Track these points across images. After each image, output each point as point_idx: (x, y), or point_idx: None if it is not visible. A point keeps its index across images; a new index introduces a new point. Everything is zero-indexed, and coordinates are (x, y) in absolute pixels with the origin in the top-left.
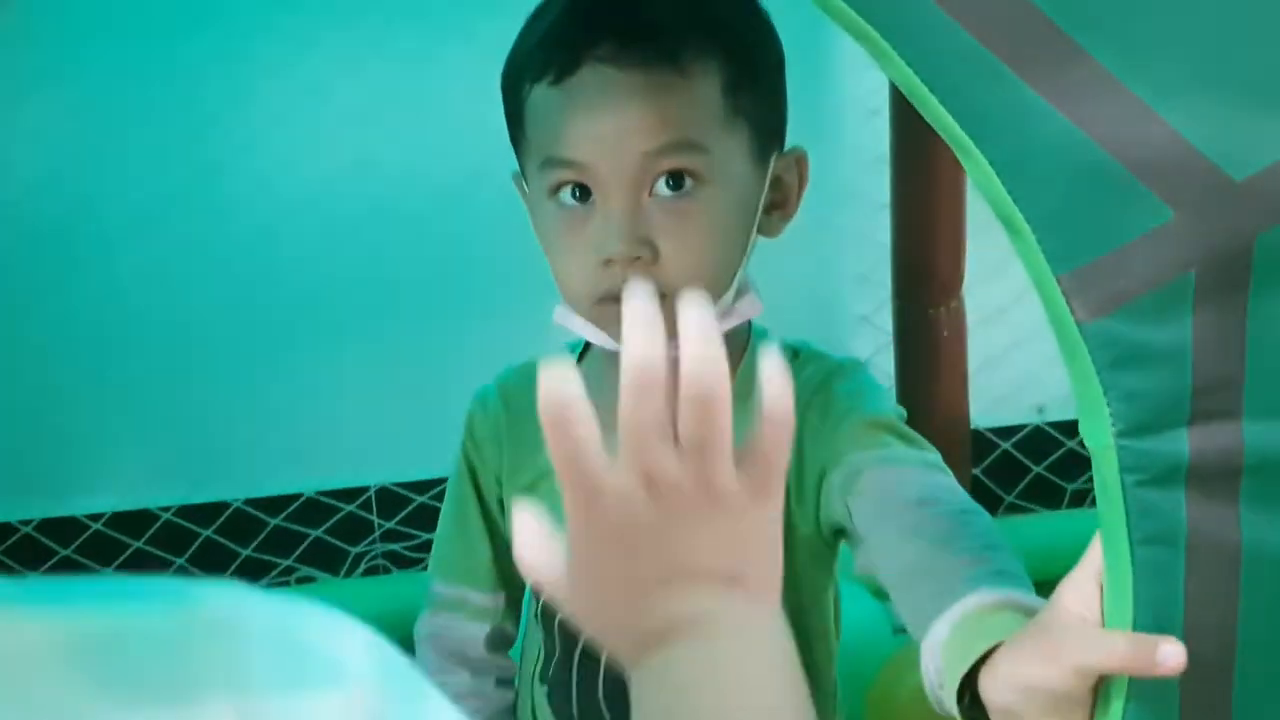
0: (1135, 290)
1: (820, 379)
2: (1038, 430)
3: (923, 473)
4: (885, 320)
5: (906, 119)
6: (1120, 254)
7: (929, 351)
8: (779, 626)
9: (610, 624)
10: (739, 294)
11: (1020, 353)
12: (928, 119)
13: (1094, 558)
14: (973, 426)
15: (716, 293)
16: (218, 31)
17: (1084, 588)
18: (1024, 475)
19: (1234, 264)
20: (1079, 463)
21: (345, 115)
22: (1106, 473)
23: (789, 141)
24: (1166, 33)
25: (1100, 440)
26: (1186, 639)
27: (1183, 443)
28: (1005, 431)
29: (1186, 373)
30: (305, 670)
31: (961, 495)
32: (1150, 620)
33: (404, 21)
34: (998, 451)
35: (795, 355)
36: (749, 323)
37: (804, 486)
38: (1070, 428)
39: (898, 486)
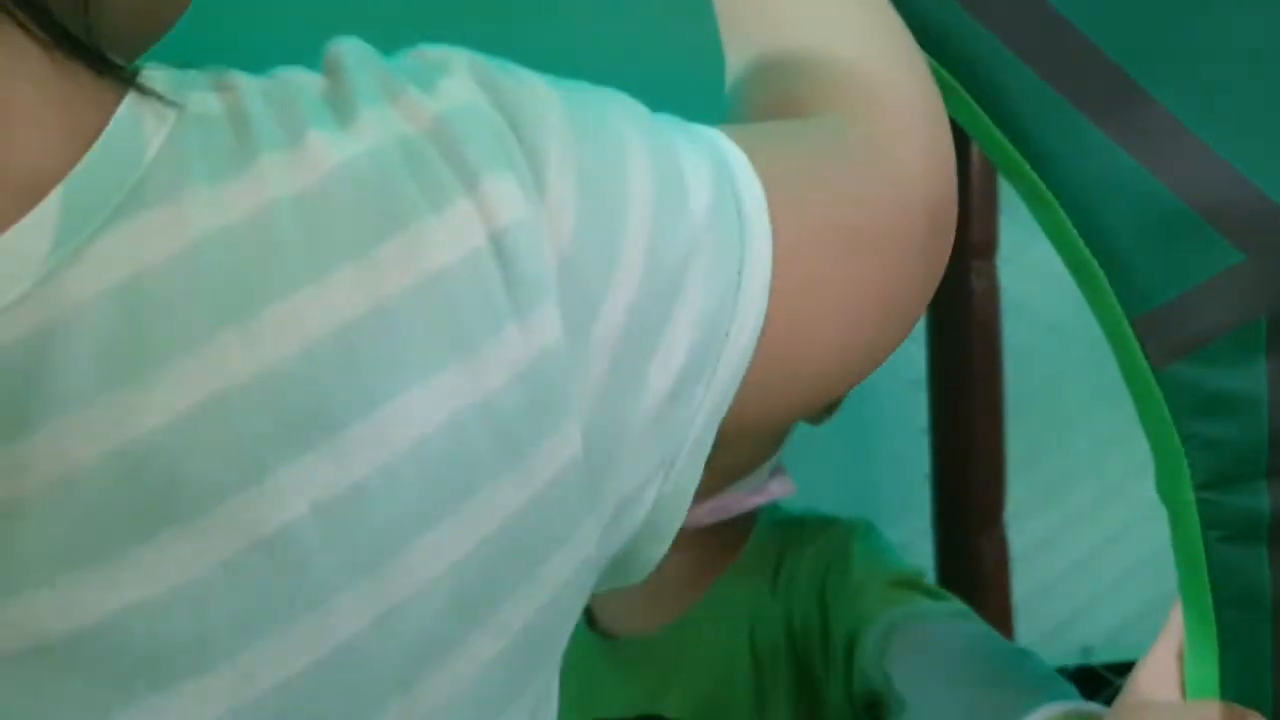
0: (1208, 335)
1: (837, 543)
2: (1087, 670)
3: (957, 623)
4: (925, 548)
5: (945, 341)
6: (1192, 296)
7: (971, 584)
8: None
9: None
10: (772, 473)
11: (1066, 587)
12: (995, 162)
13: (1173, 632)
14: None
15: (749, 470)
16: None
17: (1162, 665)
18: None
19: None
20: None
21: None
22: (1187, 531)
23: None
24: (1228, 77)
25: (1179, 495)
26: (1277, 710)
27: (1263, 495)
28: None
29: (1263, 421)
30: (419, 72)
31: (1001, 639)
32: (1238, 689)
33: None
34: None
35: (802, 524)
36: None
37: (832, 651)
38: (1120, 669)
39: (936, 639)
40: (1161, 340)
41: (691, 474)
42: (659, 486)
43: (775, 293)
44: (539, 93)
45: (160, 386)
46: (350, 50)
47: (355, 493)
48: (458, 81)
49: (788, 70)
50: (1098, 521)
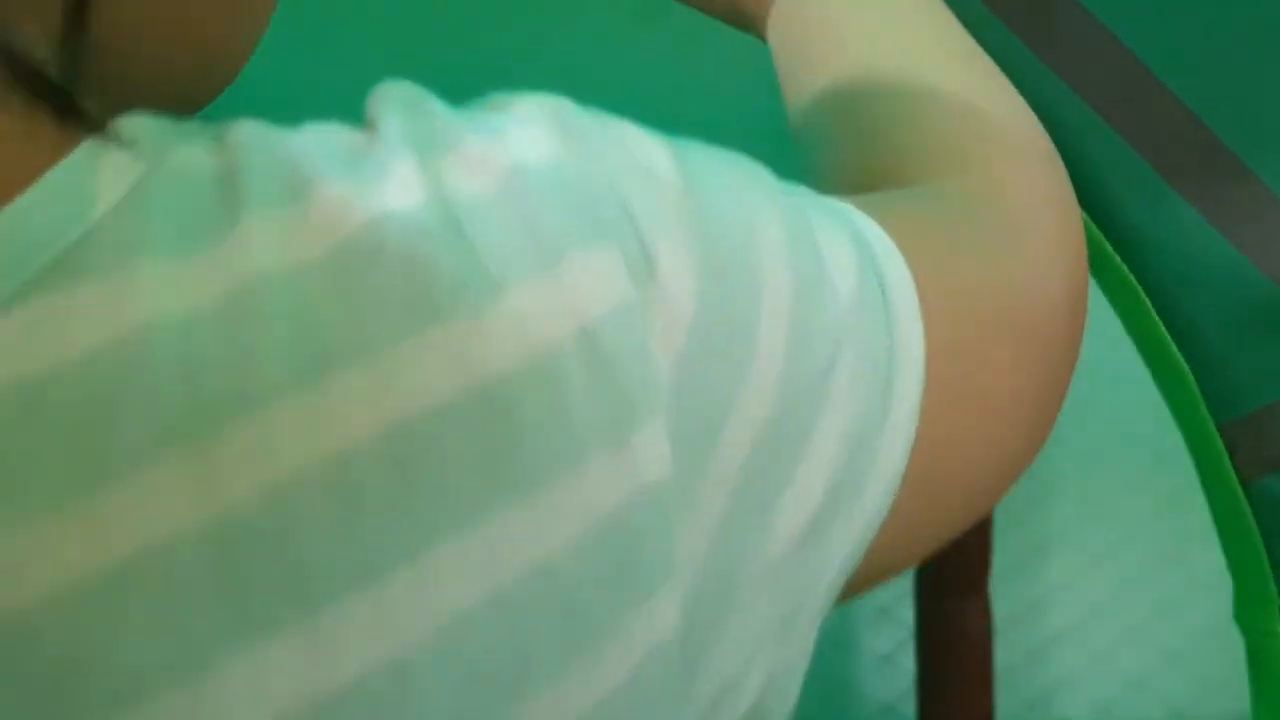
0: None
1: None
2: None
3: None
4: (906, 613)
5: None
6: None
7: (953, 651)
8: None
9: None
10: None
11: (1052, 656)
12: None
13: None
14: None
15: None
16: None
17: None
18: None
19: None
20: None
21: None
22: (1271, 667)
23: None
24: None
25: (1264, 625)
26: None
27: None
28: None
29: None
30: (486, 119)
31: None
32: None
33: None
34: None
35: None
36: None
37: None
38: None
39: None
40: (1254, 450)
41: (808, 640)
42: (770, 658)
43: (927, 395)
44: (643, 147)
45: (52, 539)
46: (395, 92)
47: (343, 701)
48: (538, 130)
49: (885, 122)
50: (1080, 591)
